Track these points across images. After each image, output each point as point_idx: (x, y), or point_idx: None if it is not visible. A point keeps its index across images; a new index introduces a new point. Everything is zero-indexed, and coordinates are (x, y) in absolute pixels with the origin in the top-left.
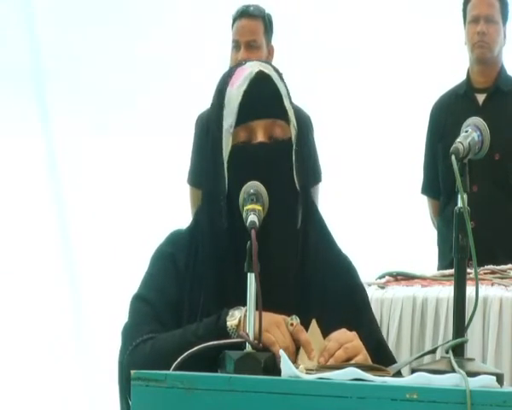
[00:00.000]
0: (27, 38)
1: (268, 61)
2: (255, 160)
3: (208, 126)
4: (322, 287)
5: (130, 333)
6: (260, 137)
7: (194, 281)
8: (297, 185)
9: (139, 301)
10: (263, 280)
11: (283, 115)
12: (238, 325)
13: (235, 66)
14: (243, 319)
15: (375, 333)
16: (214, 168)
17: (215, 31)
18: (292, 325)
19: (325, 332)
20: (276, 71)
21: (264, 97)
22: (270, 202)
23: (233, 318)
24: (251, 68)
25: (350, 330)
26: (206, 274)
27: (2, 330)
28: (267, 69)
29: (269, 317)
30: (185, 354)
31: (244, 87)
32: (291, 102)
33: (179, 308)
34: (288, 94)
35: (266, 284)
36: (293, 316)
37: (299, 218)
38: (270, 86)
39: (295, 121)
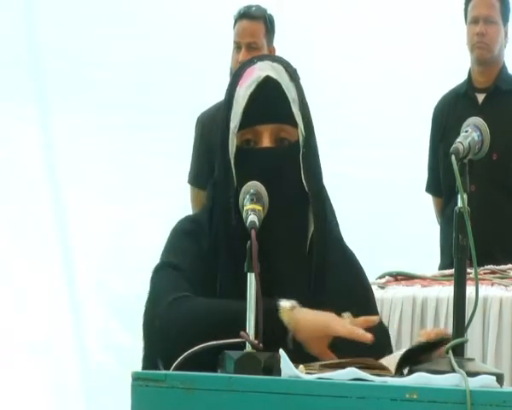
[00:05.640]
0: (26, 34)
1: (281, 57)
2: (259, 164)
3: (217, 123)
4: (332, 287)
5: (161, 294)
6: (266, 142)
7: (216, 264)
8: (306, 188)
9: (166, 268)
10: (273, 282)
11: (290, 120)
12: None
13: (248, 63)
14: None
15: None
16: (223, 166)
17: (217, 30)
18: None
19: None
20: (288, 71)
21: (270, 103)
22: (275, 206)
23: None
24: (260, 71)
25: None
26: (222, 264)
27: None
28: (277, 72)
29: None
30: (185, 354)
31: (250, 90)
32: (303, 104)
33: (204, 288)
34: (300, 97)
35: (276, 285)
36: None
37: (311, 219)
38: (277, 92)
39: (303, 125)
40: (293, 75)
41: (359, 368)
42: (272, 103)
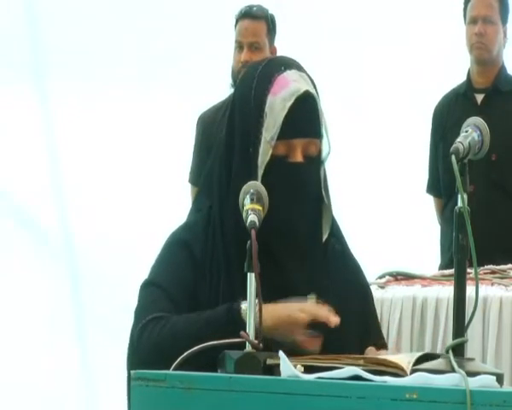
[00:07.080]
0: (26, 25)
1: (300, 64)
2: (292, 178)
3: (234, 123)
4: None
5: (140, 313)
6: (298, 157)
7: (213, 267)
8: (325, 199)
9: (149, 287)
10: (289, 283)
11: (319, 134)
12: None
13: (273, 68)
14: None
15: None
16: (246, 171)
17: (217, 29)
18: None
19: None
20: (312, 81)
21: (308, 119)
22: (297, 213)
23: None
24: (296, 83)
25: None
26: (227, 260)
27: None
28: (308, 84)
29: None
30: (184, 354)
31: (290, 103)
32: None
33: (197, 296)
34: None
35: (291, 286)
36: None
37: (328, 230)
38: (314, 108)
39: (329, 138)
40: (315, 85)
41: (372, 370)
42: (309, 120)
